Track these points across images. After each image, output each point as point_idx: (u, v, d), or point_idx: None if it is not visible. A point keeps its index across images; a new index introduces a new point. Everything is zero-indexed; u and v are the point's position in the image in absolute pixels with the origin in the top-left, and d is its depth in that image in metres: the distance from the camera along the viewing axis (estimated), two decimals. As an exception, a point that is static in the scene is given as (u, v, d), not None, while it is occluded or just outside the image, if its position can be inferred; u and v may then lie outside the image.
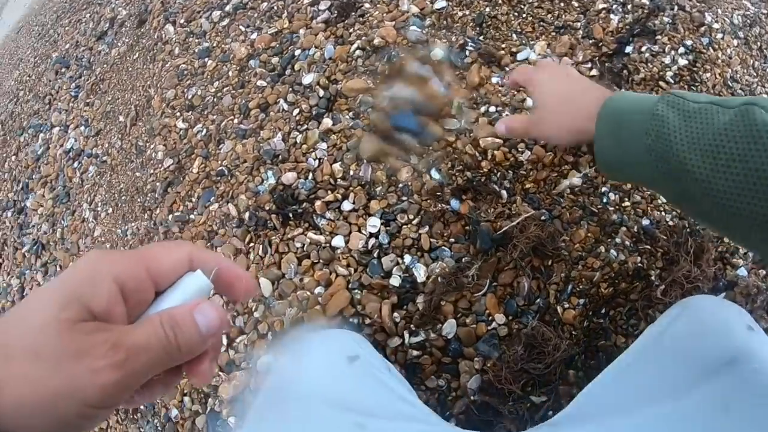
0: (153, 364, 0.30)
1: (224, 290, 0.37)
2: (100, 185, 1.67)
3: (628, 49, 1.16)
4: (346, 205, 1.05)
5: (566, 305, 0.88)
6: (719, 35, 1.19)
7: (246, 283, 0.37)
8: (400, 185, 1.01)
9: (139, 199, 1.44)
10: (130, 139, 1.63)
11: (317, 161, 1.12)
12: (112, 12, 2.20)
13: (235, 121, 1.28)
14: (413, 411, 0.64)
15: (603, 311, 0.87)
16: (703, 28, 1.19)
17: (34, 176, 1.95)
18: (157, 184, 1.33)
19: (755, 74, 1.20)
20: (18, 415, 0.26)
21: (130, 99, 1.72)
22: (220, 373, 1.01)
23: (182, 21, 1.60)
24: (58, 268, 1.65)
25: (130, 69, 1.84)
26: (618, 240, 0.96)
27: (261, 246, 1.08)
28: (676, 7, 1.22)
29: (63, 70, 2.21)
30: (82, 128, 1.88)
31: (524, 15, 1.25)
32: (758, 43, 1.24)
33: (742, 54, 1.20)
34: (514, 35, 1.22)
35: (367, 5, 1.31)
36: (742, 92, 1.15)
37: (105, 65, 2.00)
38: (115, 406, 0.29)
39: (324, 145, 1.13)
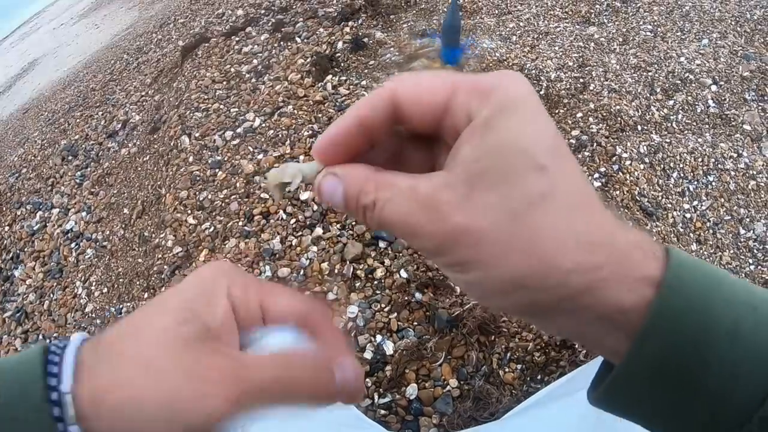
0: (269, 404, 0.28)
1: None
2: (97, 267, 1.88)
3: (558, 179, 1.56)
4: (330, 296, 1.33)
5: (507, 369, 1.17)
6: (627, 162, 1.56)
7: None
8: (375, 281, 1.32)
9: (138, 282, 1.66)
10: (134, 230, 1.88)
11: (308, 261, 1.42)
12: (125, 115, 2.54)
13: (240, 223, 1.58)
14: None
15: (539, 377, 1.16)
16: (614, 158, 1.57)
17: (26, 249, 2.12)
18: (165, 267, 1.58)
19: (660, 189, 1.53)
20: (114, 424, 0.26)
21: (137, 195, 2.00)
22: None
23: (197, 135, 1.95)
24: (40, 337, 1.79)
25: (139, 169, 2.13)
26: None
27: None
28: (595, 144, 1.62)
29: (70, 157, 2.47)
30: (84, 214, 2.11)
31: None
32: (661, 165, 1.59)
33: (648, 175, 1.55)
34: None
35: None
36: (649, 204, 1.48)
37: (113, 161, 2.29)
38: None
39: (315, 249, 1.44)
